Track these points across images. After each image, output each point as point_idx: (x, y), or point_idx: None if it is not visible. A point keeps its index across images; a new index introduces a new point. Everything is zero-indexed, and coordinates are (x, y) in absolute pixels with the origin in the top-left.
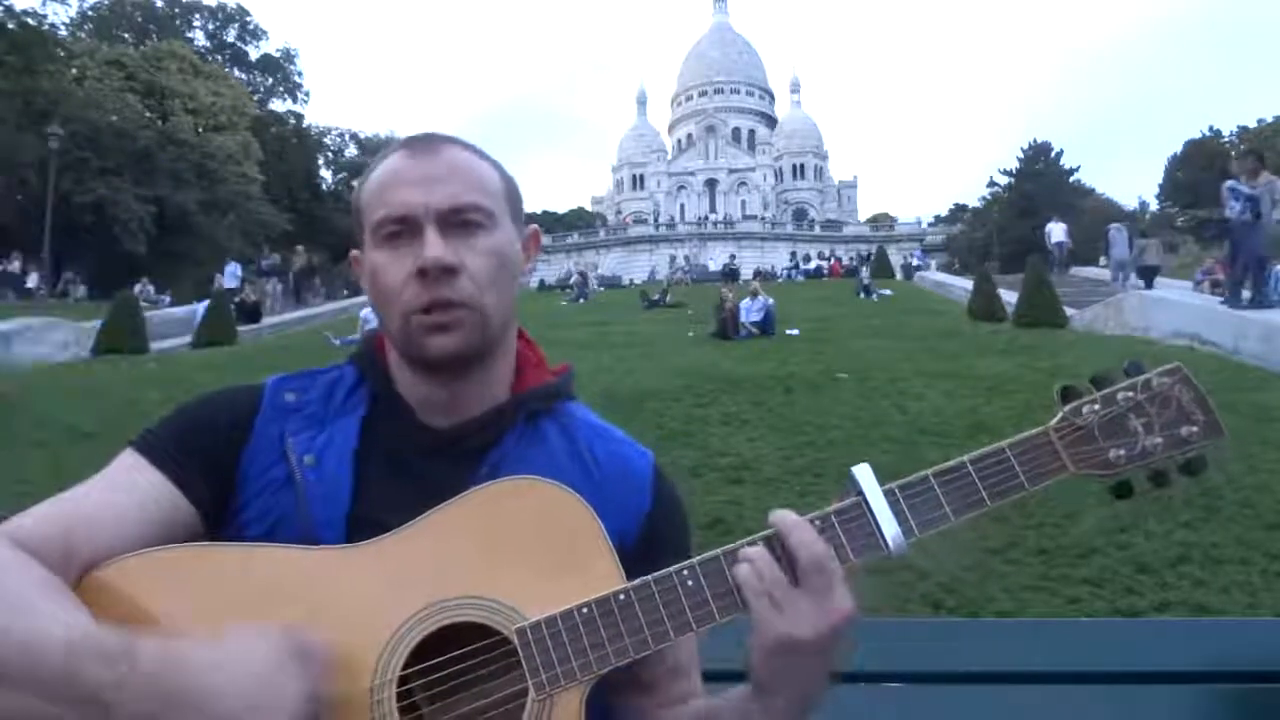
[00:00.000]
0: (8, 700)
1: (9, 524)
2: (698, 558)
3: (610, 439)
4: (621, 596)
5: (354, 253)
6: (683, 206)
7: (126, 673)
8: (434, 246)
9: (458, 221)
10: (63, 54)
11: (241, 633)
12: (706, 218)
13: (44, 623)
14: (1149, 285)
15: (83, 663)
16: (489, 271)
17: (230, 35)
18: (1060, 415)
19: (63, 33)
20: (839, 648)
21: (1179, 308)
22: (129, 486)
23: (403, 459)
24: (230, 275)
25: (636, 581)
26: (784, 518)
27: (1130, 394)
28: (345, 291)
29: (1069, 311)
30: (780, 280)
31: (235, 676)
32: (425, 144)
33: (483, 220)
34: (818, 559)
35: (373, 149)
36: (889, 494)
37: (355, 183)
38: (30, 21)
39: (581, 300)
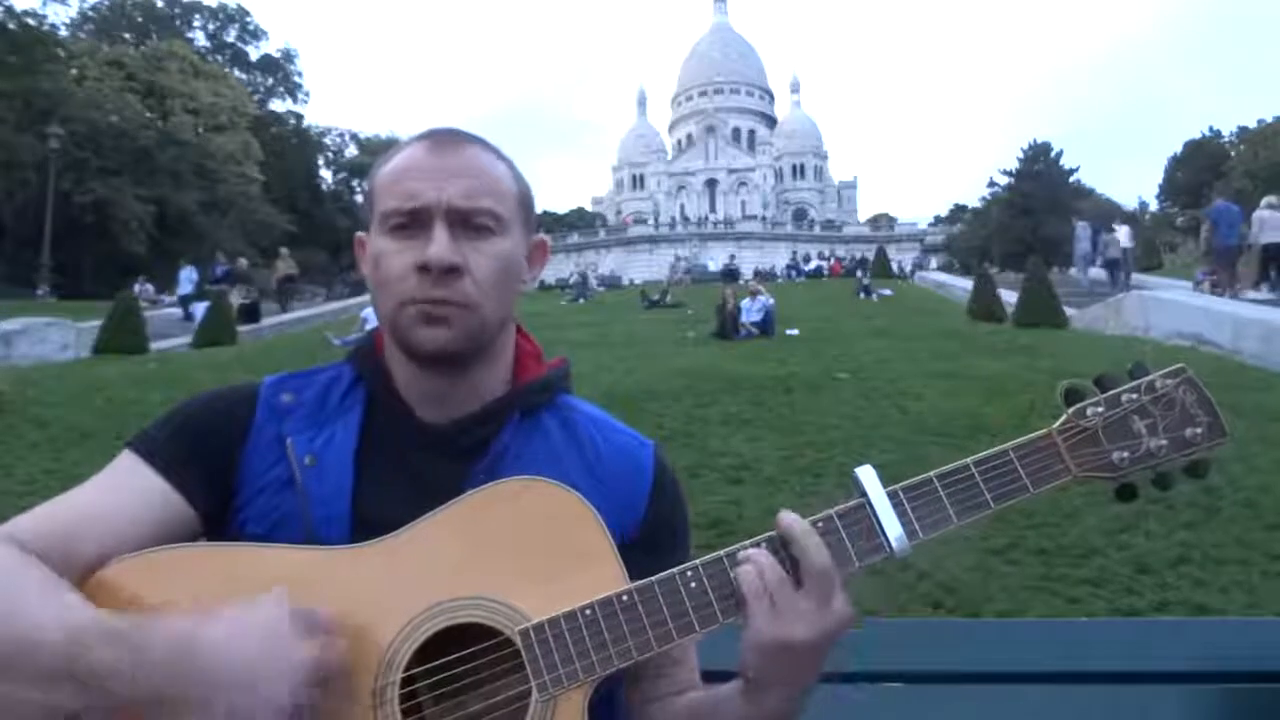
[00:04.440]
0: (7, 695)
1: (9, 525)
2: (701, 559)
3: (610, 429)
4: (624, 597)
5: (359, 234)
6: (683, 206)
7: (133, 653)
8: (440, 245)
9: (467, 223)
10: (63, 54)
11: (241, 607)
12: (706, 218)
13: (42, 613)
14: (1112, 277)
15: (86, 647)
16: (491, 276)
17: (230, 35)
18: (1064, 417)
19: (63, 33)
20: (831, 650)
21: (1179, 308)
22: (127, 488)
23: (402, 456)
24: (185, 280)
25: (640, 583)
26: (792, 522)
27: (1134, 396)
28: (346, 291)
29: (1069, 312)
30: (780, 280)
31: (238, 650)
32: (447, 138)
33: (492, 225)
34: (824, 565)
35: (373, 149)
36: (892, 496)
37: (368, 169)
38: (30, 22)
39: (581, 300)
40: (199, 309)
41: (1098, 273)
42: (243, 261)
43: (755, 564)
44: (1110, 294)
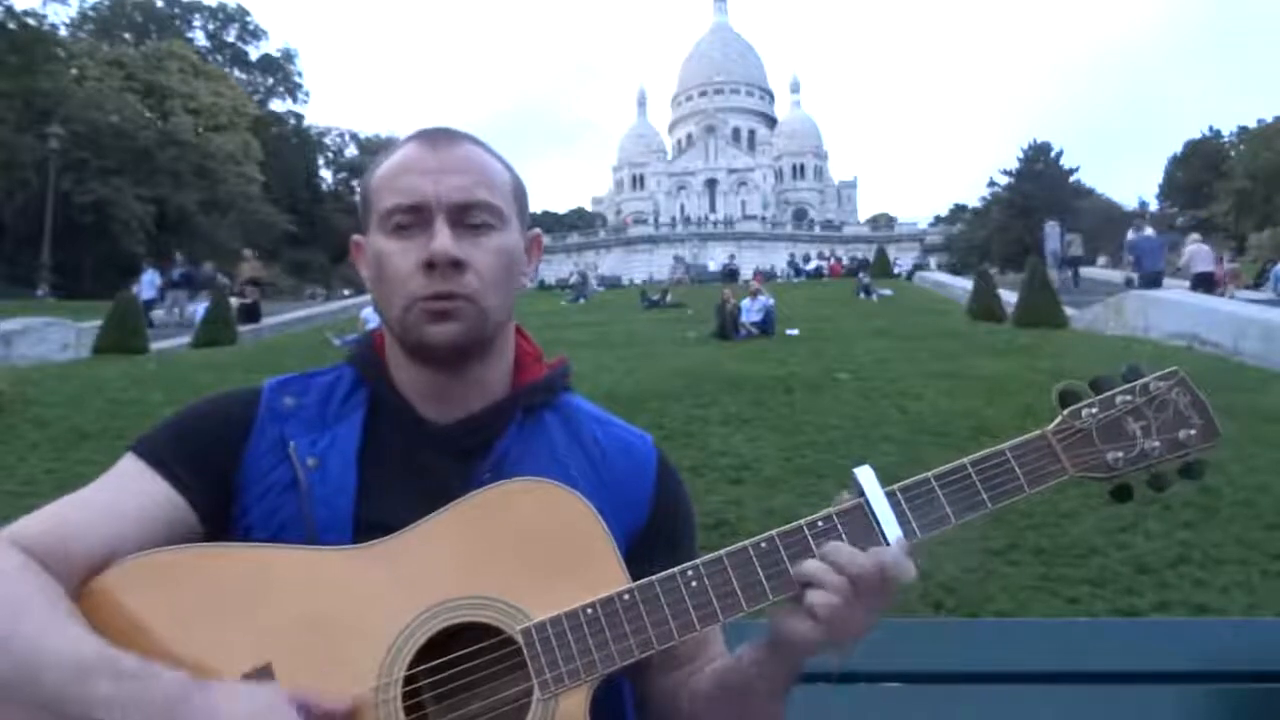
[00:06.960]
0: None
1: (11, 528)
2: (701, 559)
3: (612, 426)
4: (626, 597)
5: (356, 237)
6: (683, 206)
7: (132, 690)
8: (443, 239)
9: (467, 219)
10: (63, 54)
11: (242, 682)
12: (706, 218)
13: (49, 639)
14: (1075, 274)
15: (89, 676)
16: (494, 270)
17: (230, 35)
18: (1059, 418)
19: (63, 33)
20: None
21: (1179, 308)
22: (130, 491)
23: (406, 458)
24: (148, 284)
25: (641, 582)
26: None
27: (1128, 397)
28: (346, 292)
29: (1069, 312)
30: (780, 280)
31: (226, 714)
32: (441, 136)
33: (491, 220)
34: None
35: (373, 149)
36: (890, 496)
37: (365, 171)
38: (30, 21)
39: (581, 300)
40: (184, 313)
41: (1064, 270)
42: (207, 266)
43: (825, 588)
44: (1067, 292)
